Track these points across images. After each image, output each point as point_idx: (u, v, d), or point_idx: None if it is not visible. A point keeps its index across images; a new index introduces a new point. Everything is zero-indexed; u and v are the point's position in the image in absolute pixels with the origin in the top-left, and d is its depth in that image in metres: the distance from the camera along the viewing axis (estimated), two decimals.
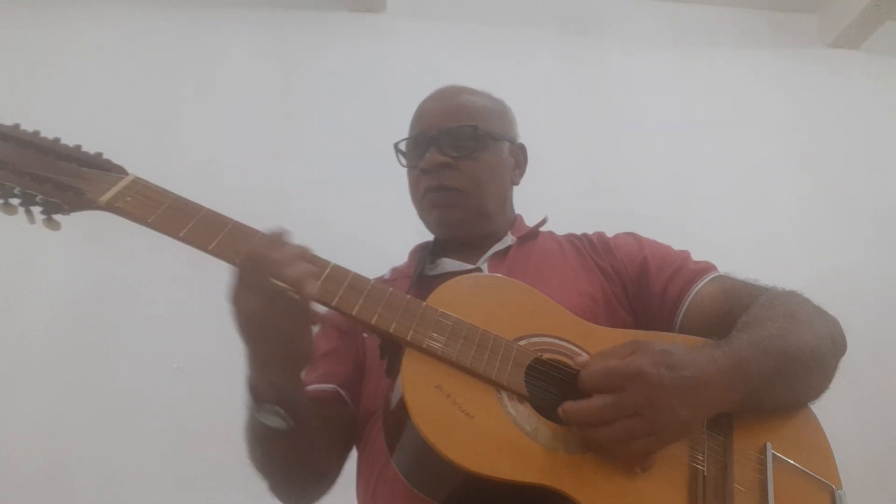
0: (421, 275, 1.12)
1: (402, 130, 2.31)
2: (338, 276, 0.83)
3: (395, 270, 1.22)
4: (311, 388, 1.06)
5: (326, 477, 1.03)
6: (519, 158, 1.25)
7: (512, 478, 0.73)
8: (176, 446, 1.93)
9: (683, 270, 1.07)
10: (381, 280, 1.16)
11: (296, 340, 0.78)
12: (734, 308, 0.97)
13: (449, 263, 1.13)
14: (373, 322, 0.81)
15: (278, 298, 0.75)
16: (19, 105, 2.29)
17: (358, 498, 1.05)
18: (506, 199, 1.23)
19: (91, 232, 2.15)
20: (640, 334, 0.93)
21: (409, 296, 0.85)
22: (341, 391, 1.06)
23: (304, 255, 0.81)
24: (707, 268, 1.08)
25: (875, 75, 2.85)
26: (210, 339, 2.07)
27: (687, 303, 1.03)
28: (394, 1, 2.69)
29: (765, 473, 0.82)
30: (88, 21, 2.48)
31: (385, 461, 0.89)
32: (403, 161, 1.22)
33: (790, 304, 0.95)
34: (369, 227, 2.23)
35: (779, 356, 0.84)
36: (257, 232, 0.83)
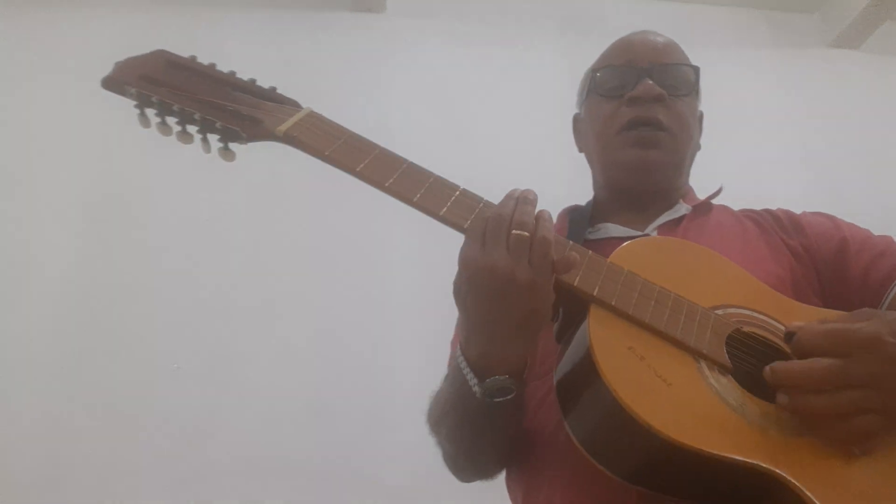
0: (579, 239, 0.97)
1: (402, 130, 2.33)
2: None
3: None
4: None
5: (506, 452, 0.93)
6: (702, 125, 1.17)
7: (721, 452, 0.63)
8: (176, 446, 1.93)
9: (889, 255, 0.93)
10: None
11: (542, 294, 0.71)
12: None
13: (613, 228, 1.02)
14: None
15: (525, 250, 0.69)
16: (19, 105, 2.30)
17: (509, 486, 0.96)
18: (692, 161, 1.13)
19: (91, 232, 2.16)
20: (865, 310, 0.78)
21: (590, 251, 0.76)
22: None
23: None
24: None
25: (875, 75, 2.85)
26: (210, 339, 2.08)
27: (895, 290, 0.89)
28: (394, 1, 2.69)
29: None
30: (88, 21, 2.48)
31: (551, 430, 0.83)
32: (598, 90, 1.08)
33: None
34: (370, 226, 2.23)
35: None
36: (430, 173, 0.81)
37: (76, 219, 2.19)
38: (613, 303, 0.72)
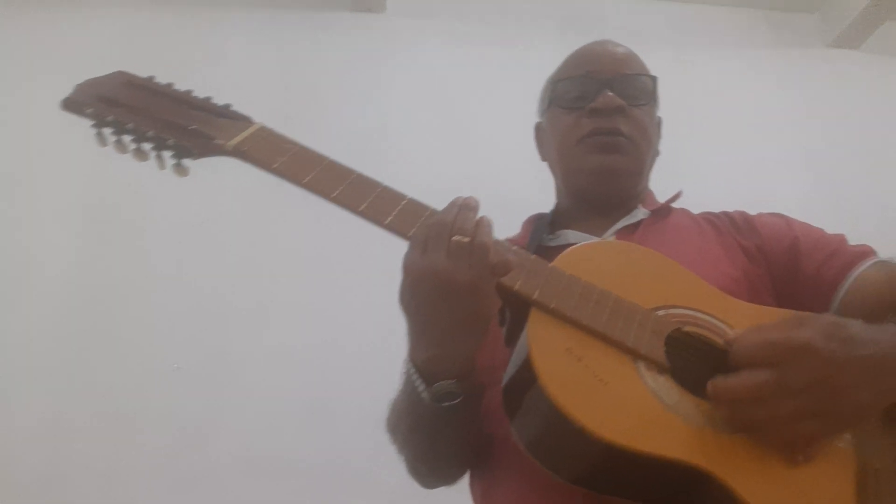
0: (539, 246, 1.01)
1: (402, 130, 2.32)
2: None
3: (510, 241, 1.11)
4: None
5: (465, 456, 0.93)
6: (660, 131, 1.19)
7: (653, 451, 0.64)
8: (176, 446, 1.93)
9: (841, 253, 0.95)
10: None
11: (482, 296, 0.72)
12: None
13: (572, 235, 1.03)
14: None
15: (465, 253, 0.71)
16: (19, 104, 2.30)
17: (471, 479, 0.97)
18: (652, 167, 1.15)
19: (90, 232, 2.16)
20: (798, 314, 0.80)
21: (533, 255, 0.78)
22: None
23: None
24: (867, 251, 0.96)
25: (875, 75, 2.85)
26: (210, 339, 2.08)
27: (845, 288, 0.90)
28: (394, 1, 2.69)
29: None
30: (88, 21, 2.48)
31: (503, 438, 0.83)
32: (560, 102, 1.10)
33: None
34: (367, 226, 2.23)
35: None
36: (378, 184, 0.84)
37: (76, 219, 2.19)
38: (553, 305, 0.73)
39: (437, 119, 2.49)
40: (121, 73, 0.92)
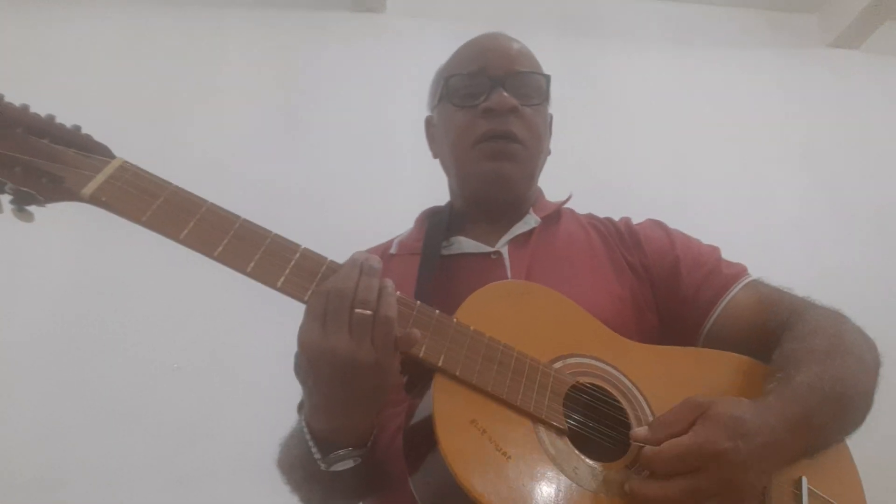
0: (435, 254, 1.00)
1: (402, 130, 2.31)
2: None
3: (401, 244, 1.12)
4: None
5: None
6: (551, 129, 1.17)
7: None
8: (176, 446, 1.93)
9: (716, 274, 0.99)
10: (387, 253, 1.10)
11: (386, 372, 0.71)
12: (770, 320, 0.92)
13: (466, 243, 1.03)
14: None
15: (368, 330, 0.68)
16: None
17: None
18: (542, 169, 1.13)
19: (90, 232, 2.16)
20: (681, 352, 0.88)
21: (437, 311, 0.76)
22: None
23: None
24: (740, 272, 1.01)
25: (875, 75, 2.85)
26: (210, 339, 2.08)
27: (718, 311, 0.96)
28: (394, 1, 2.69)
29: None
30: (88, 21, 2.48)
31: (399, 475, 0.81)
32: (452, 99, 1.07)
33: (840, 334, 0.88)
34: (370, 226, 2.23)
35: (839, 401, 0.80)
36: (268, 233, 0.76)
37: (76, 218, 2.19)
38: (458, 373, 0.73)
39: None
40: None
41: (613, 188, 2.44)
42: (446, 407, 0.71)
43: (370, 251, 1.04)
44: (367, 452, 0.77)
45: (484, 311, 0.80)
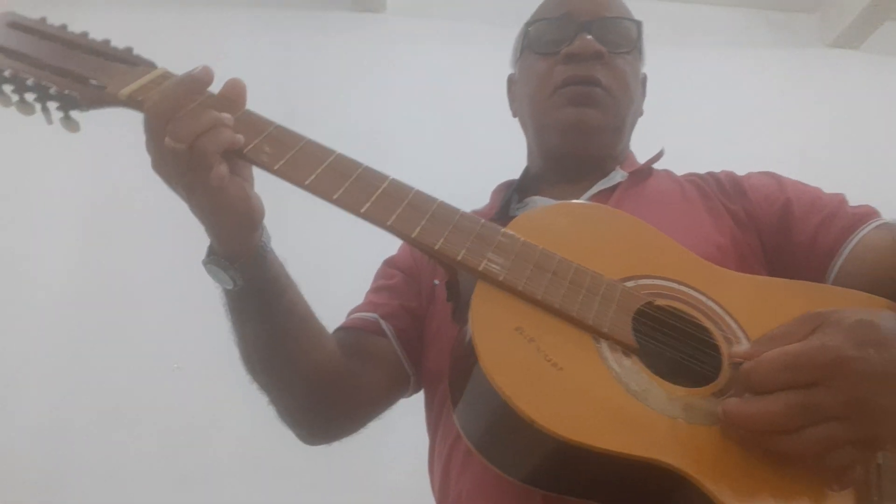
0: (505, 216, 0.92)
1: (401, 129, 2.31)
2: (397, 194, 0.70)
3: (476, 213, 1.05)
4: (352, 316, 0.95)
5: (336, 403, 0.88)
6: (644, 89, 1.10)
7: (615, 448, 0.55)
8: (176, 446, 1.93)
9: (839, 216, 0.85)
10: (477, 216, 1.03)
11: (209, 200, 0.68)
12: None
13: (541, 202, 0.94)
14: (437, 247, 0.65)
15: (169, 155, 0.65)
16: None
17: (431, 478, 0.91)
18: (633, 126, 1.05)
19: (92, 232, 2.16)
20: (790, 283, 0.72)
21: (483, 220, 0.69)
22: (382, 322, 0.92)
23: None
24: (870, 212, 0.86)
25: (875, 75, 2.85)
26: (210, 339, 2.07)
27: (844, 254, 0.80)
28: (394, 1, 2.69)
29: None
30: (88, 21, 2.48)
31: (458, 432, 0.73)
32: (534, 46, 1.00)
33: None
34: (369, 225, 2.23)
35: None
36: (302, 139, 0.72)
37: (76, 218, 2.19)
38: (502, 278, 0.63)
39: (437, 119, 2.49)
40: (6, 15, 0.80)
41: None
42: (486, 314, 0.61)
43: None
44: (242, 268, 0.73)
45: (541, 227, 0.70)
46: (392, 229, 0.68)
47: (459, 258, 0.65)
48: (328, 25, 2.63)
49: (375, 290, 0.99)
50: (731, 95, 2.74)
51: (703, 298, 0.68)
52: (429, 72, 2.59)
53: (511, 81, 1.11)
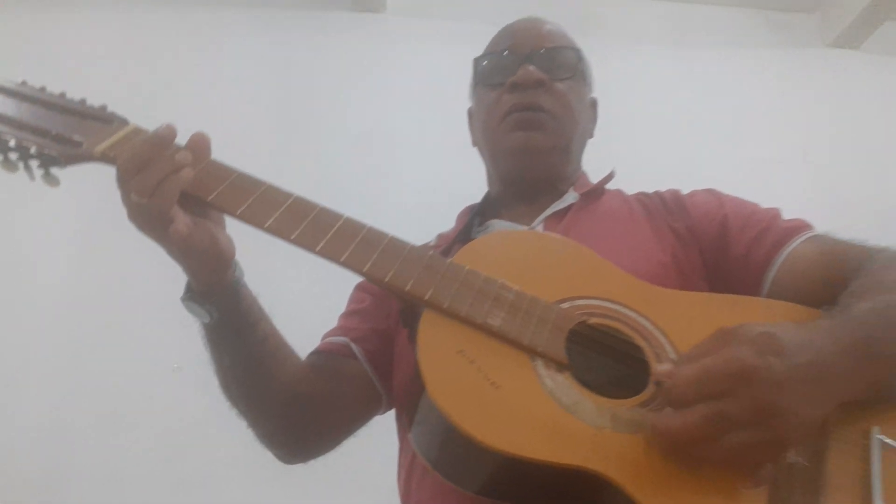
0: (467, 238, 0.99)
1: (401, 129, 2.31)
2: (350, 231, 0.76)
3: (441, 236, 1.11)
4: (325, 340, 1.03)
5: (309, 425, 0.96)
6: (594, 113, 1.17)
7: (545, 458, 0.60)
8: (176, 446, 1.93)
9: (772, 230, 0.90)
10: (426, 247, 1.08)
11: (170, 244, 0.75)
12: (837, 273, 0.78)
13: (499, 224, 1.01)
14: (386, 280, 0.72)
15: (136, 208, 0.74)
16: None
17: (398, 487, 0.97)
18: (582, 148, 1.11)
19: (92, 232, 2.16)
20: (718, 298, 0.79)
21: (431, 251, 0.75)
22: (353, 345, 0.99)
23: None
24: (801, 225, 0.91)
25: (875, 75, 2.85)
26: None
27: (776, 266, 0.85)
28: (394, 1, 2.69)
29: (869, 464, 0.63)
30: (88, 21, 2.48)
31: (414, 455, 0.81)
32: (483, 80, 1.09)
33: None
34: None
35: None
36: (263, 184, 0.79)
37: (76, 218, 2.19)
38: (446, 305, 0.69)
39: (437, 119, 2.49)
40: None
41: (612, 187, 2.44)
42: (431, 338, 0.67)
43: None
44: (217, 303, 0.82)
45: (484, 255, 0.76)
46: (345, 264, 0.73)
47: (407, 288, 0.71)
48: (328, 25, 2.63)
49: (347, 314, 1.06)
50: (731, 95, 2.74)
51: (636, 316, 0.74)
52: (429, 72, 2.59)
53: (470, 114, 1.19)
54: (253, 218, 0.75)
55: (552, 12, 3.16)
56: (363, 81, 2.55)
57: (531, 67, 1.01)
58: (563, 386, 0.67)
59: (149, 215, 0.72)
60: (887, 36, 2.88)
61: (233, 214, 0.76)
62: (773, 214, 0.95)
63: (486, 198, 1.11)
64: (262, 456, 1.94)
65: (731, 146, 2.63)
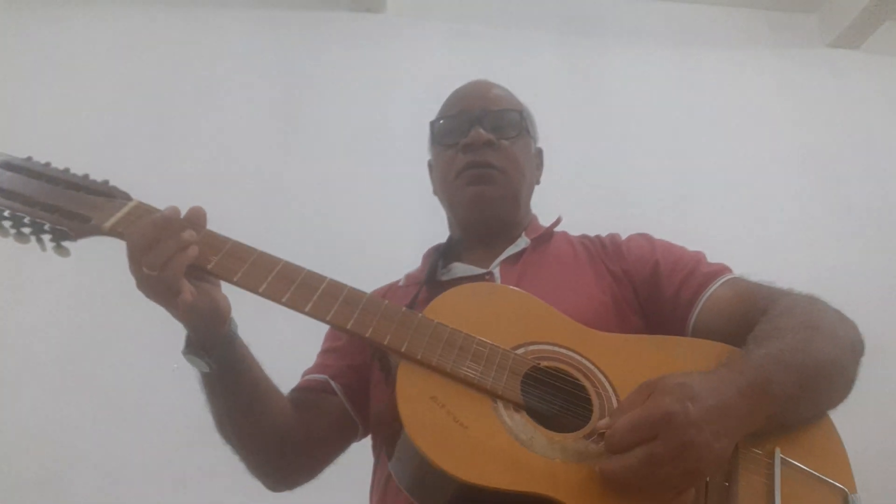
0: (432, 280, 1.13)
1: (401, 130, 2.31)
2: (333, 292, 0.86)
3: (409, 276, 1.23)
4: (305, 377, 1.13)
5: (295, 458, 1.07)
6: (539, 161, 1.29)
7: (506, 487, 0.72)
8: (176, 446, 1.93)
9: (696, 273, 1.04)
10: (395, 286, 1.22)
11: (176, 309, 0.84)
12: (749, 312, 0.95)
13: (461, 268, 1.14)
14: (367, 335, 0.83)
15: (146, 279, 0.81)
16: (20, 104, 2.30)
17: (370, 500, 1.07)
18: (530, 195, 1.25)
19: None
20: (647, 339, 0.93)
21: (404, 308, 0.86)
22: (332, 382, 1.10)
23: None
24: (720, 270, 1.06)
25: (875, 75, 2.86)
26: None
27: (699, 306, 1.01)
28: (394, 1, 2.70)
29: (773, 479, 0.79)
30: (88, 21, 2.48)
31: (389, 475, 0.90)
32: (439, 140, 1.22)
33: (810, 312, 0.91)
34: (370, 226, 2.23)
35: (801, 370, 0.81)
36: (254, 251, 0.88)
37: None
38: (419, 356, 0.80)
39: None
40: None
41: (612, 188, 2.45)
42: (408, 386, 0.79)
43: (382, 289, 1.21)
44: (215, 356, 0.92)
45: (450, 308, 0.88)
46: (330, 323, 0.84)
47: (386, 342, 0.82)
48: (328, 25, 2.64)
49: (325, 351, 1.18)
50: (731, 95, 2.74)
51: (580, 358, 0.87)
52: (428, 72, 2.59)
53: (429, 166, 1.31)
54: (248, 284, 0.84)
55: (553, 12, 3.17)
56: (363, 81, 2.55)
57: (480, 130, 1.13)
58: (520, 424, 0.79)
59: (158, 287, 0.81)
60: (887, 36, 2.88)
61: (230, 281, 0.85)
62: (698, 259, 1.08)
63: (449, 241, 1.24)
64: None
65: (730, 146, 2.63)
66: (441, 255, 1.19)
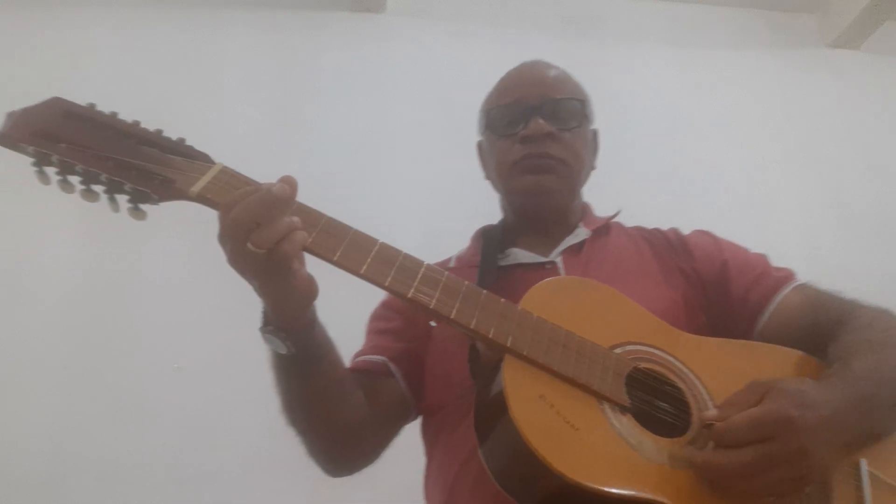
0: (492, 265, 1.09)
1: (401, 130, 2.31)
2: (432, 277, 0.81)
3: (459, 259, 1.19)
4: (360, 358, 1.08)
5: (361, 443, 1.02)
6: (596, 144, 1.25)
7: (624, 491, 0.72)
8: (176, 446, 1.93)
9: (766, 277, 1.05)
10: (445, 267, 1.14)
11: (278, 288, 0.78)
12: (820, 320, 0.95)
13: (521, 254, 1.10)
14: (472, 326, 0.79)
15: (250, 256, 0.73)
16: (20, 105, 2.30)
17: (427, 493, 1.05)
18: (586, 182, 1.21)
19: (91, 232, 2.16)
20: (734, 344, 0.92)
21: (503, 299, 0.83)
22: (390, 364, 1.06)
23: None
24: (789, 275, 1.06)
25: (875, 75, 2.86)
26: (210, 339, 2.08)
27: (770, 311, 1.01)
28: (394, 1, 2.69)
29: (862, 491, 0.79)
30: (88, 21, 2.48)
31: (466, 458, 0.90)
32: (494, 129, 1.16)
33: (893, 325, 0.92)
34: (370, 226, 2.23)
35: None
36: (349, 229, 0.82)
37: (78, 218, 2.19)
38: (525, 353, 0.78)
39: (438, 119, 2.49)
40: (58, 101, 0.80)
41: (612, 188, 2.44)
42: (516, 382, 0.76)
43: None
44: (296, 337, 0.84)
45: (545, 302, 0.85)
46: (435, 309, 0.79)
47: (490, 335, 0.79)
48: (328, 25, 2.64)
49: (379, 332, 1.12)
50: (731, 95, 2.74)
51: (673, 360, 0.87)
52: (428, 72, 2.59)
53: (480, 148, 1.26)
54: (348, 264, 0.78)
55: (553, 12, 3.17)
56: (363, 81, 2.55)
57: (540, 121, 1.08)
58: (628, 427, 0.78)
59: (265, 265, 0.74)
60: (887, 36, 2.88)
61: (329, 260, 0.78)
62: (765, 262, 1.09)
63: (503, 223, 1.20)
64: (262, 455, 1.95)
65: (731, 146, 2.63)
66: (497, 238, 1.15)
